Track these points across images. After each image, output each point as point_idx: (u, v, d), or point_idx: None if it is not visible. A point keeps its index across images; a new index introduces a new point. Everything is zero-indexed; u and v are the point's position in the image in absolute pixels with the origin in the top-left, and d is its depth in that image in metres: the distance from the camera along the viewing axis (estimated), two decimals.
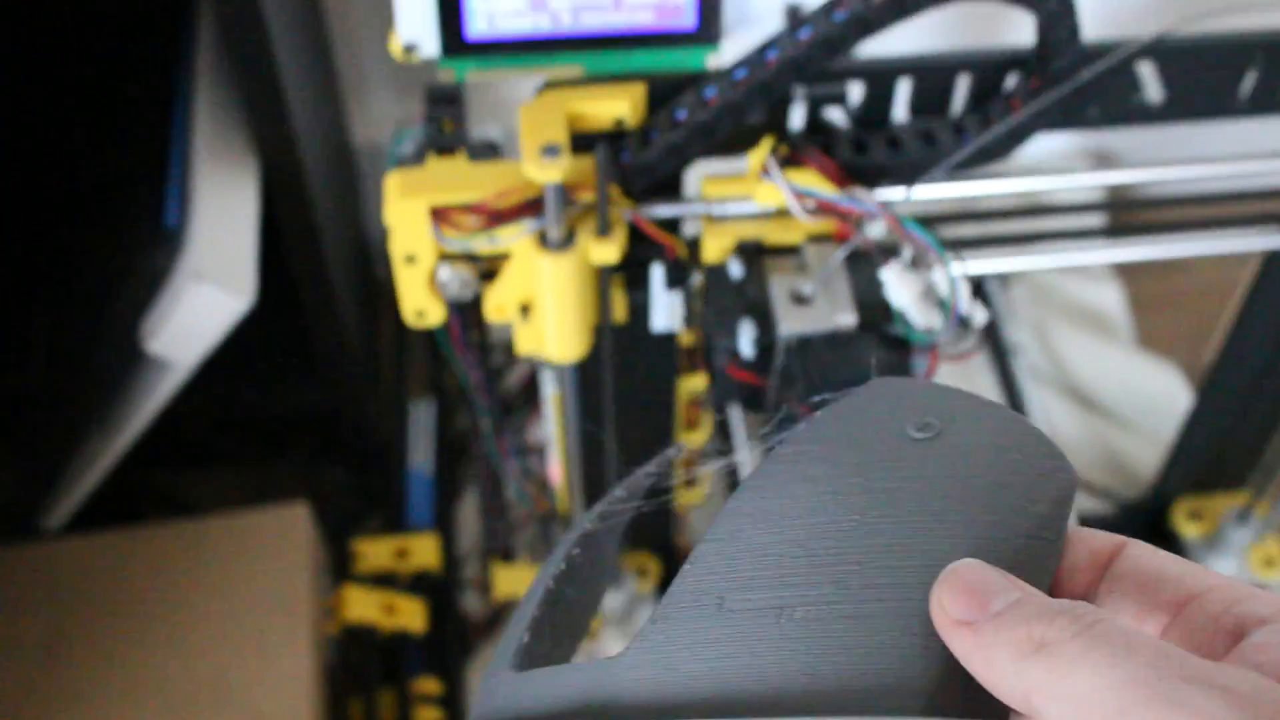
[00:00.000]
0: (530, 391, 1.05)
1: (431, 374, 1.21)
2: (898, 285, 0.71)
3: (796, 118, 0.75)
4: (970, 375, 1.21)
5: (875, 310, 0.72)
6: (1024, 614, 0.30)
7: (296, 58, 0.88)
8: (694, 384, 0.89)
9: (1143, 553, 0.34)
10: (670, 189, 0.76)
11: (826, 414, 0.38)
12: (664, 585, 1.04)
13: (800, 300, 0.73)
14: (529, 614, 0.38)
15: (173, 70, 0.90)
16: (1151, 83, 0.77)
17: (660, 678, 0.33)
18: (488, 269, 0.77)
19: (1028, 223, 0.96)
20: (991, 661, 0.30)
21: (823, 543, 0.34)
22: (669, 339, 0.81)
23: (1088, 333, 1.29)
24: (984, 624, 0.31)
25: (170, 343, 0.87)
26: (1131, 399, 1.24)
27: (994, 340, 1.23)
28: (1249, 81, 0.78)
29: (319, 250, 0.92)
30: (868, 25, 0.67)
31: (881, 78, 0.75)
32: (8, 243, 1.06)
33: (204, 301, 0.85)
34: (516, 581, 1.06)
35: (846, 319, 0.72)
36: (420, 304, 0.77)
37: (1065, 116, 0.76)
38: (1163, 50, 0.76)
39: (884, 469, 0.35)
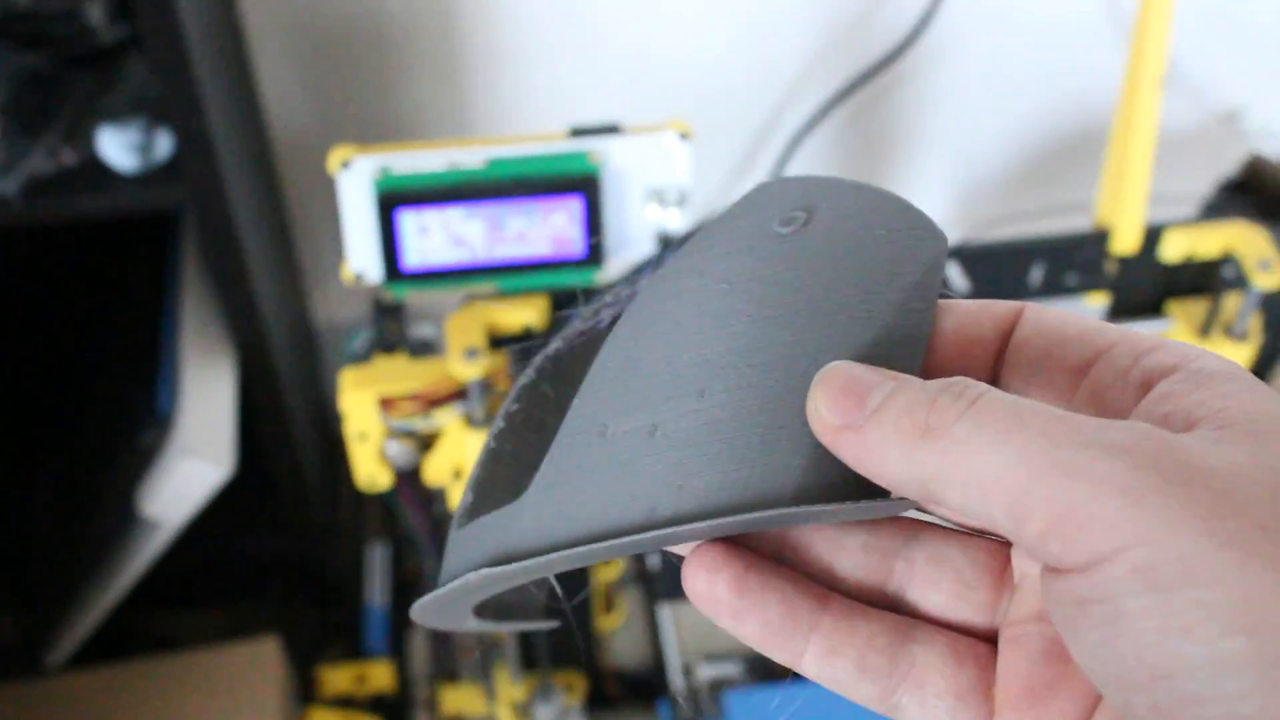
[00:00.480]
0: None
1: (385, 522, 1.38)
2: None
3: None
4: None
5: None
6: (904, 403, 0.29)
7: (267, 263, 1.06)
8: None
9: (1041, 315, 0.32)
10: None
11: (700, 230, 0.37)
12: (591, 702, 1.20)
13: None
14: (473, 474, 0.37)
15: (162, 280, 1.08)
16: (957, 277, 0.96)
17: (556, 515, 0.33)
18: (426, 440, 0.94)
19: None
20: (884, 460, 0.29)
21: (687, 355, 0.33)
22: None
23: None
24: (865, 424, 0.29)
25: (162, 507, 1.03)
26: None
27: None
28: (1037, 273, 0.97)
29: (285, 422, 1.09)
30: None
31: None
32: (19, 420, 1.23)
33: (190, 473, 1.01)
34: (462, 700, 1.21)
35: None
36: (371, 473, 0.94)
37: None
38: (965, 252, 0.95)
39: (748, 271, 0.34)
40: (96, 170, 0.96)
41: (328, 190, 0.87)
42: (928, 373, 0.31)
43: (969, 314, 0.33)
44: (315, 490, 1.18)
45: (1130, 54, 0.91)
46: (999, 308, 0.33)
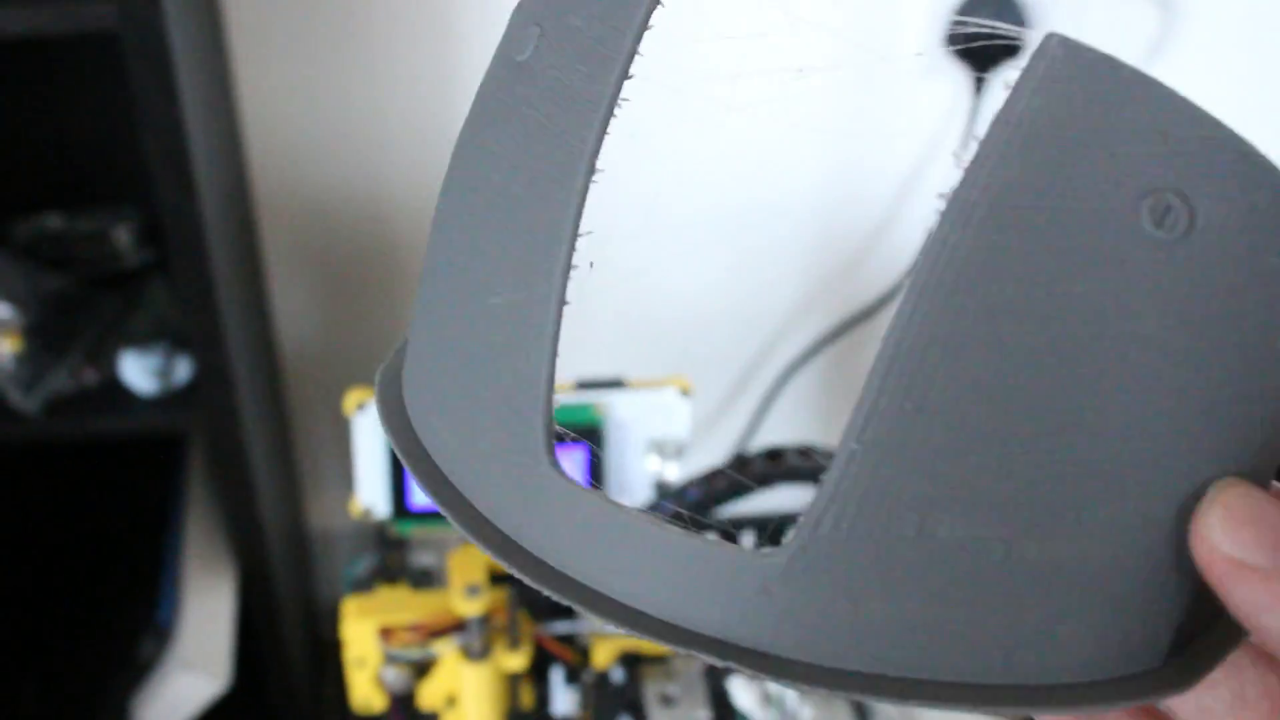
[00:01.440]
0: None
1: None
2: (741, 691, 0.92)
3: None
4: None
5: (725, 710, 0.93)
6: None
7: (270, 480, 1.10)
8: None
9: None
10: (568, 610, 0.96)
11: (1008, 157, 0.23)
12: None
13: (667, 701, 0.94)
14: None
15: (168, 494, 1.12)
16: None
17: None
18: (422, 666, 0.97)
19: None
20: None
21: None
22: None
23: None
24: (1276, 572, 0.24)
25: (157, 715, 1.05)
26: None
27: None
28: None
29: (280, 637, 1.12)
30: (716, 499, 0.90)
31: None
32: (21, 627, 1.25)
33: (188, 685, 1.03)
34: None
35: (702, 716, 0.92)
36: (367, 696, 0.96)
37: None
38: None
39: (1100, 286, 0.23)
40: (115, 391, 1.00)
41: (329, 400, 0.91)
42: None
43: None
44: (306, 700, 1.20)
45: None
46: None
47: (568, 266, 0.27)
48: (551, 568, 0.27)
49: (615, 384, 0.89)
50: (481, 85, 0.31)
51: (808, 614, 0.24)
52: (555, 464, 0.27)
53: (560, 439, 0.28)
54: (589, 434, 0.88)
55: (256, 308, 1.13)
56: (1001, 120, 0.23)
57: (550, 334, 0.27)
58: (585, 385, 0.89)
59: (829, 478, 0.24)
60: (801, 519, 0.24)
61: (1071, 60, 0.23)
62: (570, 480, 0.27)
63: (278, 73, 1.09)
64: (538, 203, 0.27)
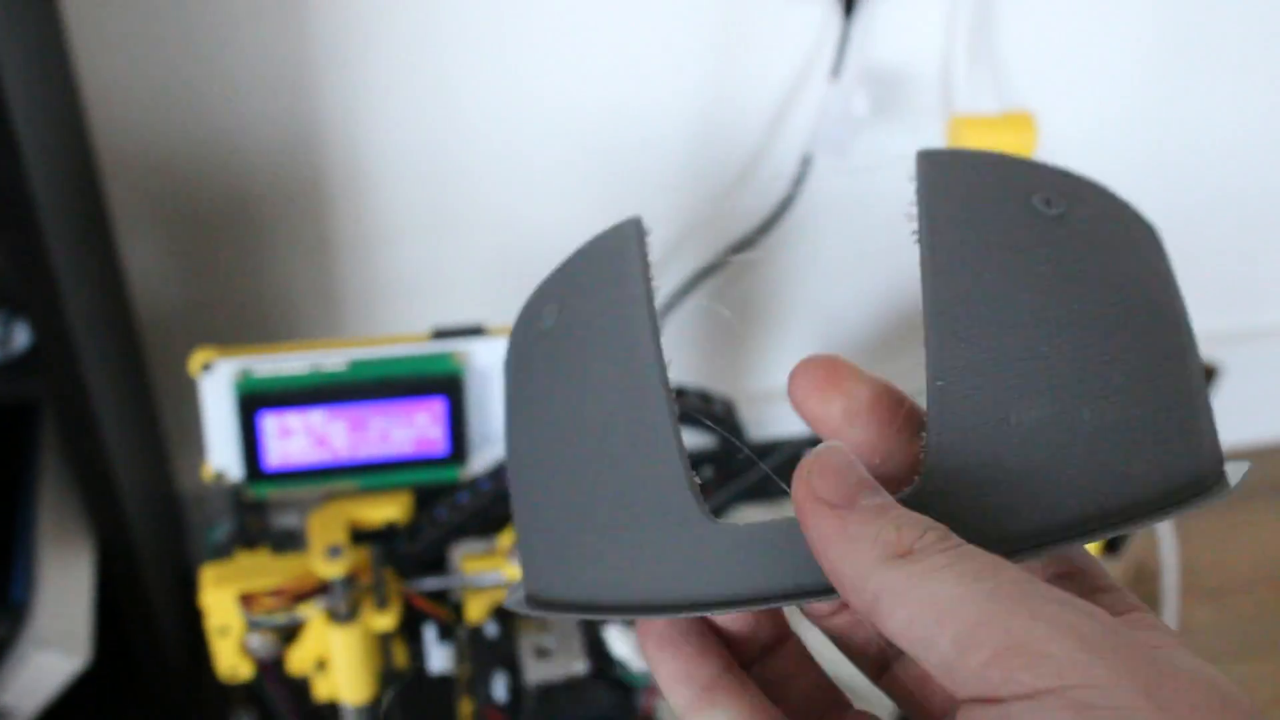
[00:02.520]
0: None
1: (252, 698, 1.35)
2: (618, 640, 0.90)
3: None
4: None
5: (602, 659, 0.91)
6: (894, 517, 0.30)
7: (128, 446, 1.05)
8: None
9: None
10: (437, 566, 0.94)
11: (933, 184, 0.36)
12: None
13: (543, 653, 0.91)
14: None
15: (19, 468, 1.07)
16: None
17: None
18: (289, 631, 0.93)
19: None
20: (850, 555, 0.30)
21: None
22: (447, 679, 0.98)
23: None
24: (849, 513, 0.30)
25: (15, 698, 1.01)
26: None
27: None
28: None
29: (147, 606, 1.07)
30: None
31: None
32: None
33: (45, 664, 0.99)
34: None
35: (579, 667, 0.90)
36: (233, 664, 0.93)
37: (754, 495, 0.97)
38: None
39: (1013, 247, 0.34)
40: None
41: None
42: None
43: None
44: (179, 669, 1.16)
45: None
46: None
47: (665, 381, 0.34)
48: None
49: (475, 331, 0.86)
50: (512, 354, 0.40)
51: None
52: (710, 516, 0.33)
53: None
54: (448, 384, 0.85)
55: (104, 266, 1.08)
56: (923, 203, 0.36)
57: (669, 426, 0.34)
58: (443, 334, 0.86)
59: (931, 412, 0.32)
60: (924, 455, 0.32)
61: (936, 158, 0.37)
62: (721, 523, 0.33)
63: (114, 20, 1.04)
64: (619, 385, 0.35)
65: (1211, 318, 1.49)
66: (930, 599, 0.28)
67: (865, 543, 0.29)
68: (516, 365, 0.38)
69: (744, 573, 0.32)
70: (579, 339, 0.35)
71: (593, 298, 0.36)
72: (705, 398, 0.96)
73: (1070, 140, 1.26)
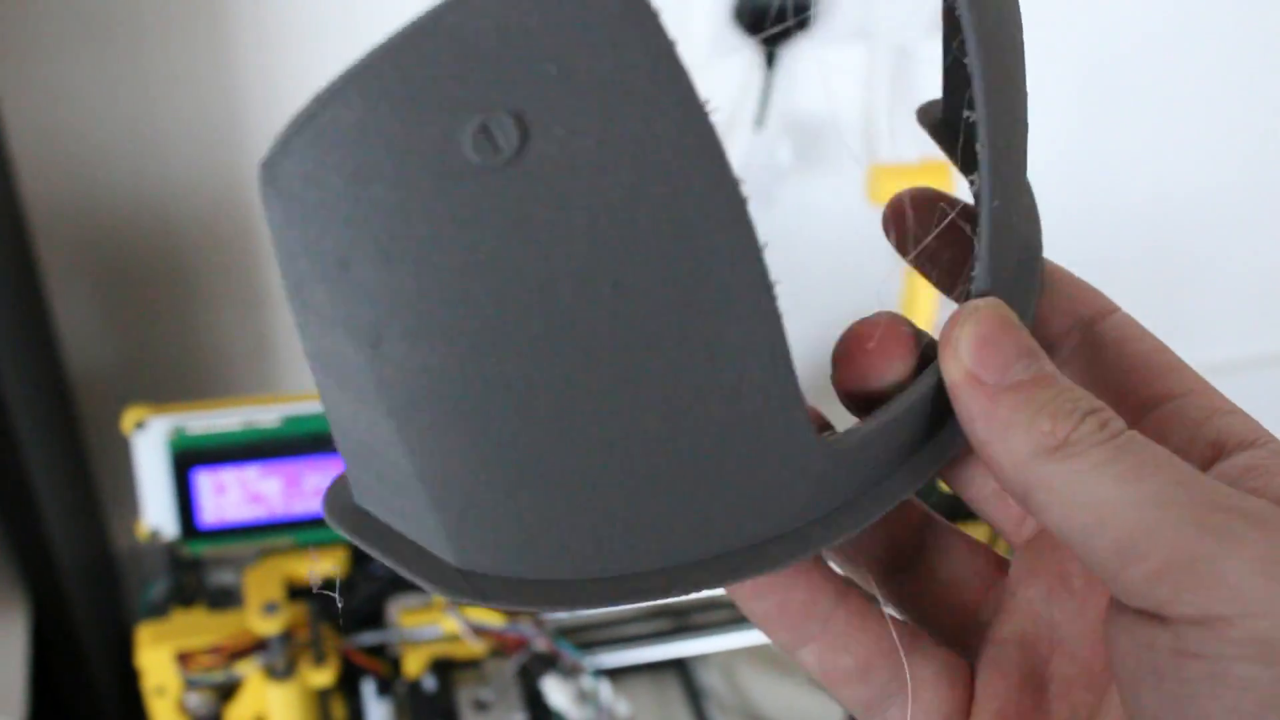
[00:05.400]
0: None
1: None
2: (556, 691, 0.90)
3: None
4: None
5: (540, 711, 0.91)
6: (1049, 400, 0.27)
7: (61, 503, 1.04)
8: None
9: (1130, 330, 0.32)
10: (375, 620, 0.94)
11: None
12: None
13: (482, 706, 0.92)
14: None
15: None
16: None
17: None
18: (227, 689, 0.93)
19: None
20: (1005, 440, 0.27)
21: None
22: None
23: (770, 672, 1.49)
24: (1001, 394, 0.28)
25: None
26: None
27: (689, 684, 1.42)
28: None
29: (82, 665, 1.06)
30: None
31: None
32: None
33: None
34: None
35: None
36: None
37: None
38: None
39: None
40: None
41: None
42: None
43: (1068, 284, 0.33)
44: None
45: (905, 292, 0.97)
46: (1082, 293, 0.33)
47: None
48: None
49: None
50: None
51: None
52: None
53: None
54: None
55: (34, 323, 1.07)
56: None
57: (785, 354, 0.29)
58: None
59: (983, 235, 0.31)
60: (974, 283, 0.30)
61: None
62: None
63: (39, 72, 1.04)
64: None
65: None
66: (1087, 501, 0.26)
67: (1018, 429, 0.27)
68: (422, 226, 0.24)
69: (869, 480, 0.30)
70: (589, 172, 0.24)
71: (611, 104, 0.24)
72: None
73: None
